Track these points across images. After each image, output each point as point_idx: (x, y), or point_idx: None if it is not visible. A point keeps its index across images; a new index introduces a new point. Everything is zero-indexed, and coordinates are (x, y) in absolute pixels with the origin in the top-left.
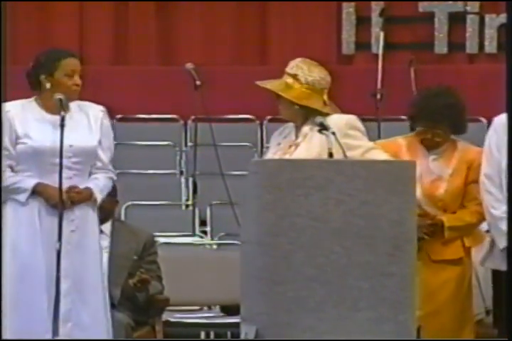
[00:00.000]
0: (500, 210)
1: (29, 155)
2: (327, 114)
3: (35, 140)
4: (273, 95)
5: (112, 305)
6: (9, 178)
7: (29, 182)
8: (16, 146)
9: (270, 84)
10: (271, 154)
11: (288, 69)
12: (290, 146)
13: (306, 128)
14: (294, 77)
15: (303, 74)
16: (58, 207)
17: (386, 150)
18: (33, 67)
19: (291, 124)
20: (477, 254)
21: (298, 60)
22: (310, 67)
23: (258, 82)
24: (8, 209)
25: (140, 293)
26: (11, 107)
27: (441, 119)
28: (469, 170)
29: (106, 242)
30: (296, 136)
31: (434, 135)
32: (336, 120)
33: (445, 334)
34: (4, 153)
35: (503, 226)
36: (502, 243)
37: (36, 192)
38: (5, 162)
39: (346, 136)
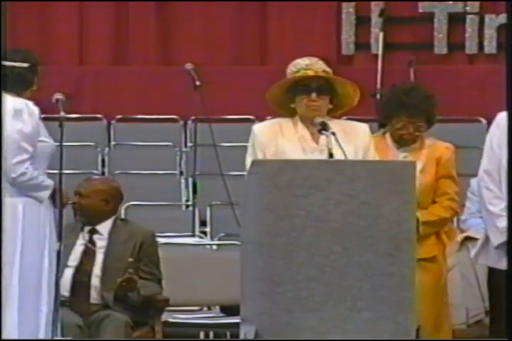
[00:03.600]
0: (499, 207)
1: (47, 153)
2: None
3: (49, 140)
4: (317, 88)
5: (107, 306)
6: (39, 176)
7: (49, 181)
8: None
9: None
10: (299, 152)
11: (326, 68)
12: (329, 150)
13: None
14: (328, 74)
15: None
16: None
17: None
18: (31, 67)
19: (282, 120)
20: (471, 251)
21: (317, 59)
22: None
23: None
24: (32, 208)
25: (131, 293)
26: (33, 105)
27: (423, 111)
28: (438, 166)
29: (101, 242)
30: (312, 134)
31: (416, 128)
32: (363, 127)
33: (424, 332)
34: (29, 149)
35: (500, 223)
36: (497, 240)
37: (54, 190)
38: (26, 158)
39: (371, 142)
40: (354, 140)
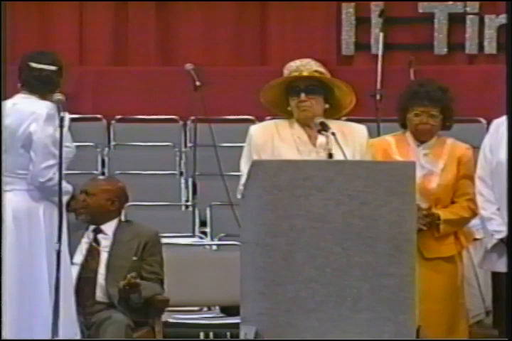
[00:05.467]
0: (489, 211)
1: (68, 159)
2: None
3: (72, 145)
4: (304, 89)
5: (112, 305)
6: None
7: (69, 186)
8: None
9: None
10: (294, 154)
11: (319, 68)
12: (329, 150)
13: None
14: (322, 74)
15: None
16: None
17: (375, 148)
18: (58, 70)
19: (279, 121)
20: (476, 256)
21: (310, 59)
22: None
23: (282, 78)
24: (50, 211)
25: (133, 295)
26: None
27: (436, 100)
28: (459, 165)
29: (105, 242)
30: (309, 135)
31: (430, 117)
32: (361, 128)
33: (438, 332)
34: (57, 154)
35: (490, 226)
36: (489, 243)
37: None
38: (54, 163)
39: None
40: (352, 141)
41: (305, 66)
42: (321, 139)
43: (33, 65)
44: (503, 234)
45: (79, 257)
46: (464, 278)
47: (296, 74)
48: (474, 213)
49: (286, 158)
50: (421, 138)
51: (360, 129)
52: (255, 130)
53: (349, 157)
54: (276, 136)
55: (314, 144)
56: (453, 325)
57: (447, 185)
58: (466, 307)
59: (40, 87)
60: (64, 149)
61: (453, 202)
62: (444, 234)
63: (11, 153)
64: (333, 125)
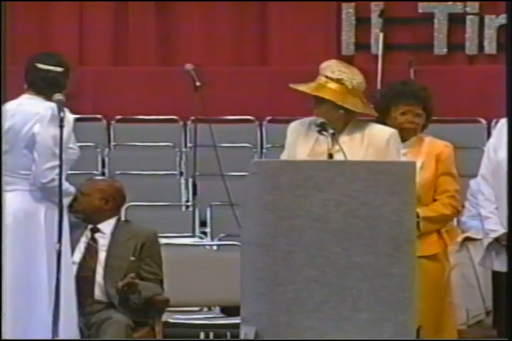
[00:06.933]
0: (487, 209)
1: (72, 160)
2: (366, 121)
3: (76, 147)
4: (311, 98)
5: (111, 305)
6: (65, 183)
7: (72, 188)
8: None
9: (320, 92)
10: (304, 154)
11: (328, 73)
12: (329, 150)
13: (345, 137)
14: (339, 81)
15: (347, 78)
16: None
17: None
18: (64, 71)
19: (314, 120)
20: (476, 256)
21: (334, 63)
22: (352, 70)
23: (293, 85)
24: (52, 212)
25: (133, 295)
26: (69, 113)
27: (421, 99)
28: (438, 163)
29: (103, 241)
30: (332, 143)
31: (415, 116)
32: (382, 131)
33: (424, 332)
34: (57, 153)
35: (487, 225)
36: (485, 241)
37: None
38: (57, 165)
39: (393, 148)
40: (366, 143)
41: (323, 70)
42: (340, 141)
43: (40, 66)
44: (498, 234)
45: (77, 256)
46: (450, 277)
47: (321, 77)
48: (456, 210)
49: (300, 156)
50: (405, 137)
51: (381, 132)
52: (290, 127)
53: (358, 158)
54: (302, 134)
55: (332, 145)
56: (440, 323)
57: (426, 183)
58: (454, 306)
59: (46, 88)
60: (69, 151)
61: (435, 200)
62: (425, 233)
63: (14, 153)
64: (358, 126)
